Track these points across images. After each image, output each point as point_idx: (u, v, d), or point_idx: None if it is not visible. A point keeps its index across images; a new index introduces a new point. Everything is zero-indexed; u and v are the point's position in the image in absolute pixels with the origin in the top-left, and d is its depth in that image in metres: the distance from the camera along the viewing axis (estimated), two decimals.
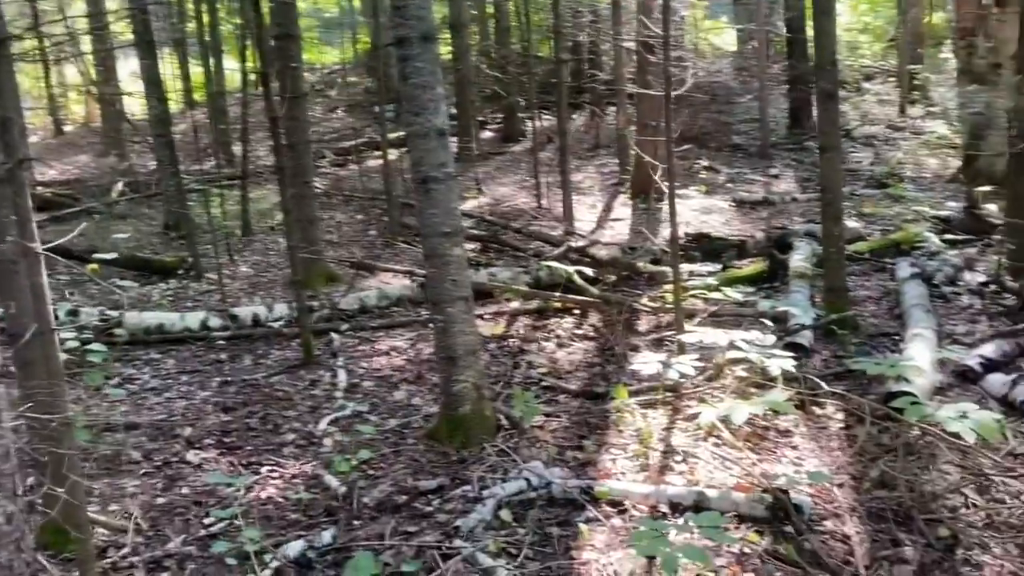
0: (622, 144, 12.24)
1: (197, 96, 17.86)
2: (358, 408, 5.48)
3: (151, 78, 10.06)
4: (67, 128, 21.04)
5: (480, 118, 16.29)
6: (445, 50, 15.23)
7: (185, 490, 4.54)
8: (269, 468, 4.72)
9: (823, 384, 4.90)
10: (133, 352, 6.72)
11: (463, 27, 15.36)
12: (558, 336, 6.62)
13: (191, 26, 15.81)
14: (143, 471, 4.79)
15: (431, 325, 6.76)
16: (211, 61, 14.53)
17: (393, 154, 11.32)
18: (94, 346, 4.40)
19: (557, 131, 11.03)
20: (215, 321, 7.01)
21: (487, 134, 16.50)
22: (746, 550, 3.58)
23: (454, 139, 15.28)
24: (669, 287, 7.05)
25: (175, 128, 17.27)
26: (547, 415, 5.16)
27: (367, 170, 13.22)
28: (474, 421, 4.78)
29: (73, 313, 6.90)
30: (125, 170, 13.88)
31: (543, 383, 5.71)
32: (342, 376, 6.03)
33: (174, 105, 18.88)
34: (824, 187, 6.09)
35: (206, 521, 4.15)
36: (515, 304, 7.23)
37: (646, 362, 4.93)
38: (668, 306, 6.57)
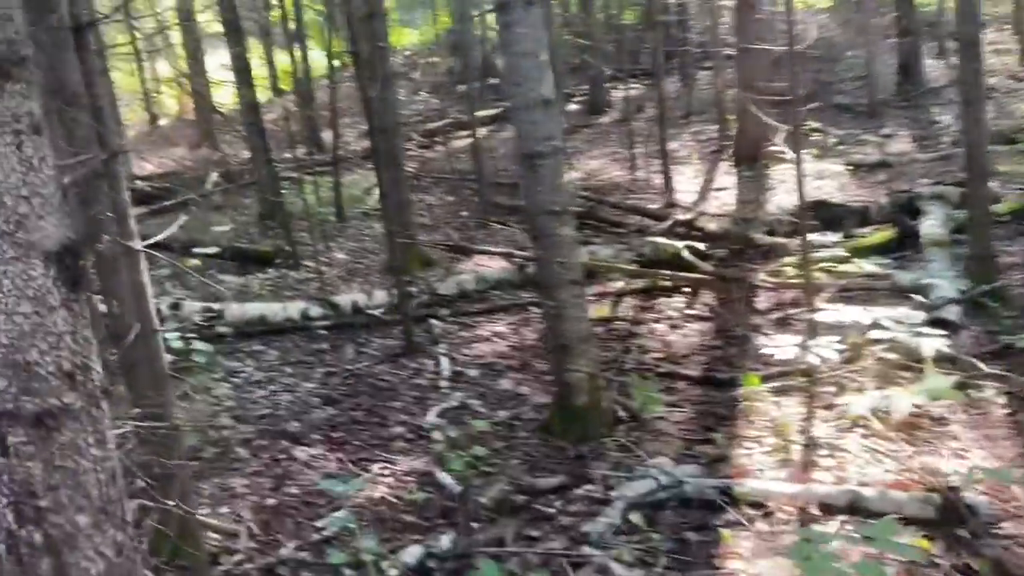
0: (721, 108, 11.62)
1: (284, 84, 17.97)
2: (465, 399, 5.24)
3: (240, 67, 10.03)
4: (161, 121, 21.54)
5: (565, 90, 15.83)
6: None
7: (295, 489, 4.38)
8: (380, 465, 4.51)
9: (981, 365, 4.38)
10: (236, 344, 6.65)
11: None
12: (669, 317, 6.22)
13: (276, 14, 15.87)
14: (251, 469, 4.65)
15: (533, 308, 6.51)
16: (296, 48, 14.49)
17: (482, 132, 11.04)
18: (199, 344, 4.27)
19: (648, 99, 10.52)
20: (315, 310, 6.88)
21: (572, 107, 16.03)
22: (916, 559, 3.16)
23: None
24: (789, 260, 6.57)
25: (264, 117, 17.53)
26: (668, 405, 4.80)
27: (454, 151, 12.98)
28: (591, 413, 4.47)
29: (175, 307, 6.88)
30: (219, 161, 14.03)
31: (659, 369, 5.34)
32: (445, 364, 5.80)
33: (262, 94, 19.16)
34: (968, 143, 5.49)
35: (318, 524, 3.97)
36: (620, 284, 6.86)
37: (779, 345, 4.51)
38: (791, 281, 6.09)
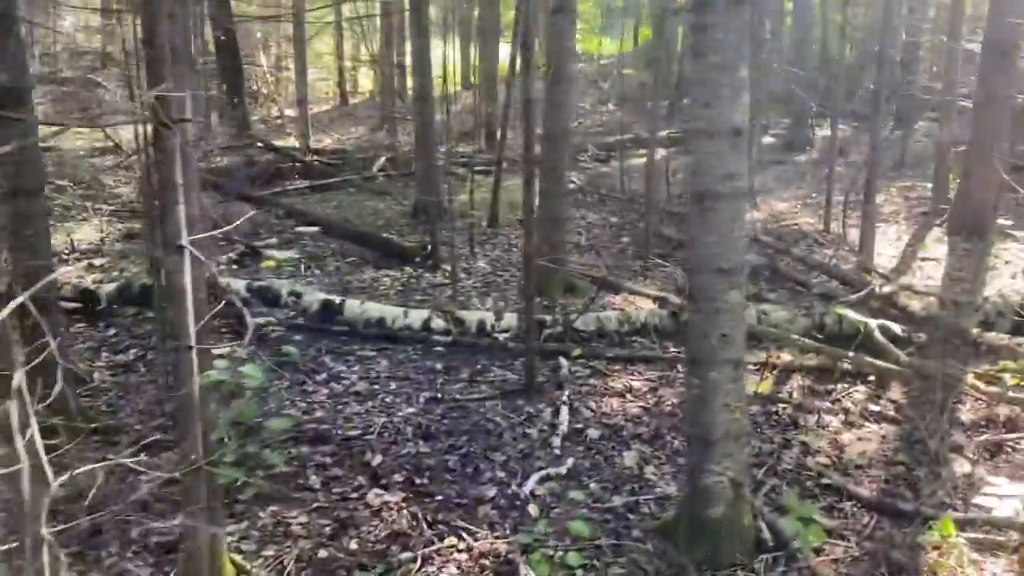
0: (942, 164, 10.06)
1: (475, 80, 17.72)
2: (577, 468, 4.39)
3: (420, 56, 9.65)
4: (353, 100, 21.93)
5: (763, 122, 14.55)
6: None
7: (353, 544, 3.69)
8: (456, 536, 3.74)
9: None
10: (349, 345, 6.12)
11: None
12: (846, 410, 5.08)
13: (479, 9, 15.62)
14: (316, 504, 4.02)
15: (681, 367, 5.55)
16: (481, 44, 14.14)
17: (661, 153, 10.10)
18: (287, 348, 3.69)
19: (855, 142, 9.19)
20: (438, 323, 6.23)
21: (768, 139, 14.71)
22: None
23: None
24: (1010, 365, 5.26)
25: (449, 109, 17.35)
26: (827, 532, 3.74)
27: (629, 169, 12.08)
28: (726, 530, 3.50)
29: (296, 295, 6.44)
30: (389, 146, 13.85)
31: (823, 480, 4.26)
32: (564, 416, 4.96)
33: (450, 86, 19.06)
34: None
35: None
36: (789, 356, 5.76)
37: (996, 493, 3.36)
38: (1012, 395, 4.81)
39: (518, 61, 11.22)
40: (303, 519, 3.89)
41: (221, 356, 2.76)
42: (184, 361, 2.49)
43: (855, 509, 4.01)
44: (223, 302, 2.90)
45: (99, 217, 9.63)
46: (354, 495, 4.11)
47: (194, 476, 2.56)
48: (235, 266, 8.15)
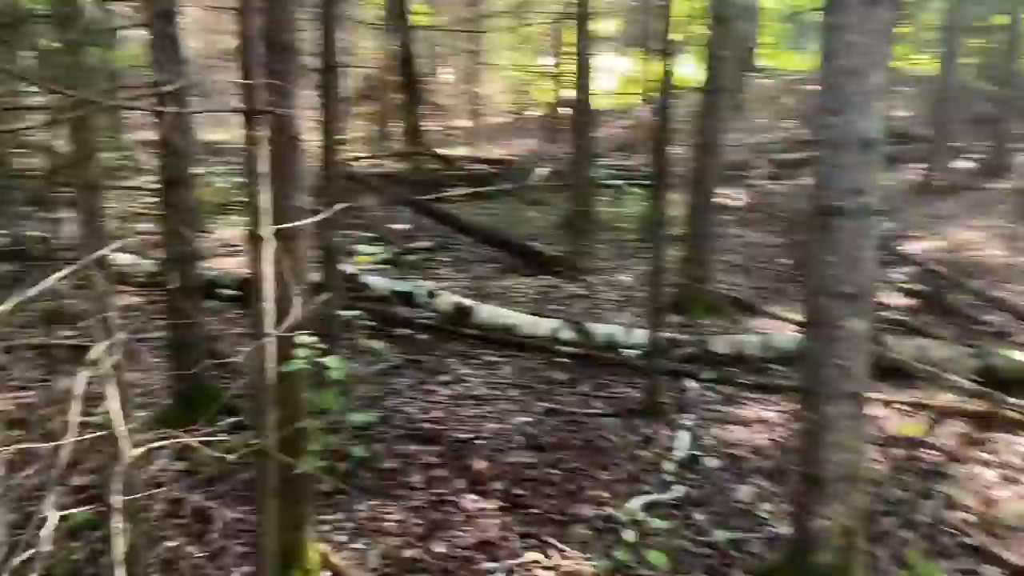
0: None
1: (645, 92, 17.49)
2: (687, 496, 4.15)
3: (581, 67, 9.60)
4: (527, 112, 22.23)
5: (956, 143, 13.35)
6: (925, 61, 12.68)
7: (441, 548, 3.67)
8: (544, 553, 3.63)
9: None
10: (475, 349, 6.15)
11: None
12: (1005, 464, 4.51)
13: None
14: (414, 503, 4.04)
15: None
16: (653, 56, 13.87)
17: None
18: (373, 343, 3.73)
19: None
20: (566, 334, 6.13)
21: (961, 163, 13.48)
22: None
23: (916, 165, 12.72)
24: None
25: (625, 122, 17.21)
26: None
27: (799, 188, 11.44)
28: None
29: (431, 295, 6.56)
30: (552, 158, 13.90)
31: (965, 539, 3.78)
32: (683, 442, 4.72)
33: (620, 98, 18.92)
34: None
35: None
36: (948, 397, 5.20)
37: None
38: None
39: (672, 73, 10.94)
40: (398, 516, 3.91)
41: (303, 346, 2.80)
42: (263, 349, 2.55)
43: None
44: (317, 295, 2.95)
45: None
46: (452, 498, 4.09)
47: (264, 460, 2.62)
48: (387, 266, 8.42)
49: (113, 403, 2.28)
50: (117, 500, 2.24)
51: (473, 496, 4.10)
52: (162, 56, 4.26)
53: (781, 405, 5.31)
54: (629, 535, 3.76)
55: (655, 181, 5.56)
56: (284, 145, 2.74)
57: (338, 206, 3.26)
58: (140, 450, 2.35)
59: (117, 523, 2.20)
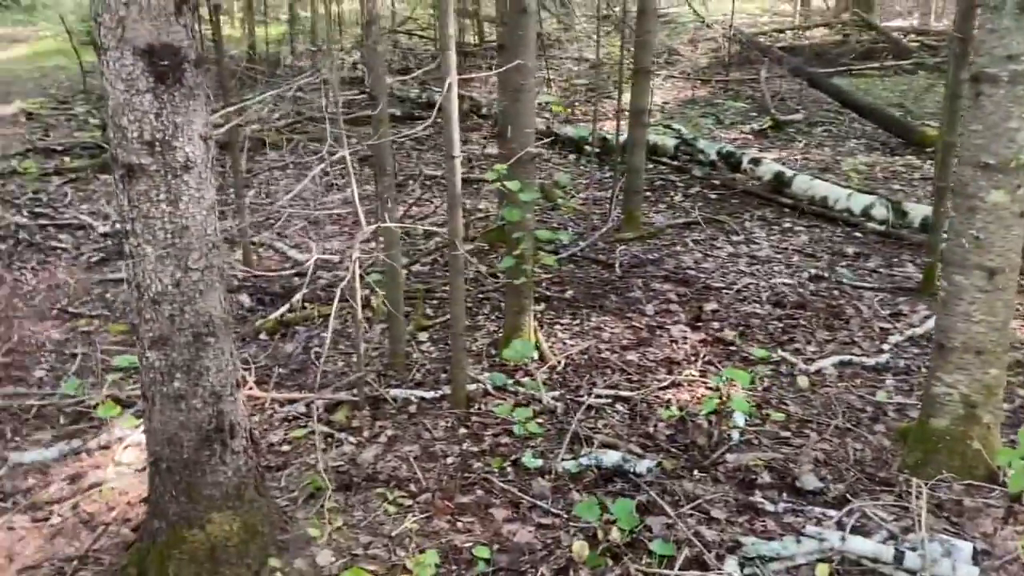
0: None
1: None
2: (887, 362, 4.25)
3: None
4: None
5: None
6: None
7: (632, 356, 4.41)
8: (707, 376, 4.18)
9: None
10: (782, 217, 6.41)
11: None
12: None
13: None
14: (635, 324, 4.80)
15: None
16: None
17: None
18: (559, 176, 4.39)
19: None
20: (880, 211, 6.03)
21: None
22: None
23: None
24: None
25: None
26: None
27: None
28: (945, 445, 3.25)
29: (755, 162, 6.86)
30: None
31: None
32: (930, 324, 4.64)
33: None
34: None
35: None
36: None
37: None
38: None
39: None
40: (616, 330, 4.73)
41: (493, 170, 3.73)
42: (452, 167, 3.57)
43: None
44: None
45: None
46: (669, 327, 4.76)
47: (454, 249, 3.69)
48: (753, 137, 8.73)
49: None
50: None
51: (683, 327, 4.72)
52: None
53: None
54: (803, 381, 4.09)
55: None
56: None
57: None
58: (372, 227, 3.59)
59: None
